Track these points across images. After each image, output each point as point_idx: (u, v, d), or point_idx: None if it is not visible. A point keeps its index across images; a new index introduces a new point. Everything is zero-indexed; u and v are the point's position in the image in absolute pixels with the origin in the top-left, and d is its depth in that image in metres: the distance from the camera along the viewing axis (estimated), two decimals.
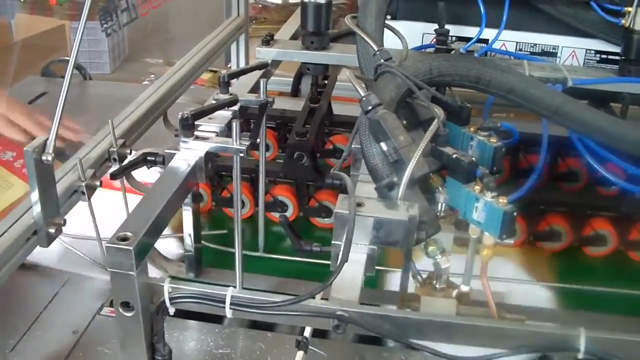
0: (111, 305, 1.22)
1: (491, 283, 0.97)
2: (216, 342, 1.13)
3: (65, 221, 1.05)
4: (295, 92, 1.98)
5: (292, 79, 1.98)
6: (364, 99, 0.99)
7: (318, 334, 1.09)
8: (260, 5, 3.79)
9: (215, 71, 2.79)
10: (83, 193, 1.12)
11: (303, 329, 0.99)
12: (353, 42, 1.30)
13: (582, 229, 1.39)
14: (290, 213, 1.42)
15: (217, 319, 1.17)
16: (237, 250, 1.07)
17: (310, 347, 0.97)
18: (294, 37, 1.78)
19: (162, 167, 1.12)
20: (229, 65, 2.59)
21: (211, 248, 1.37)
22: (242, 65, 2.04)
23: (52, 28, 3.37)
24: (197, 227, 1.22)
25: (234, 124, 0.99)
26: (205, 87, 2.63)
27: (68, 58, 2.55)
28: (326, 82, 1.63)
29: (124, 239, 0.83)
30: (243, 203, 1.42)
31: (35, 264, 1.29)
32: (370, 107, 0.98)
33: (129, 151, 1.20)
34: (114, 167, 1.19)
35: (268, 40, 1.47)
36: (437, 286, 0.99)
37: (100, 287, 1.26)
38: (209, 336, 1.14)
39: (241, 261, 1.08)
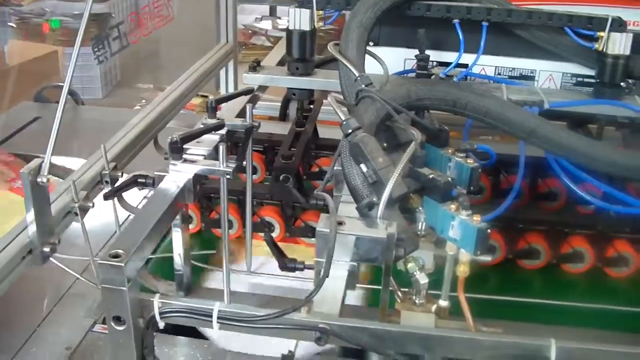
0: (104, 322, 1.25)
1: (470, 298, 1.01)
2: (205, 357, 1.17)
3: (59, 240, 1.09)
4: (283, 117, 2.03)
5: (280, 104, 2.02)
6: (344, 122, 1.04)
7: None
8: (250, 32, 3.85)
9: (205, 96, 2.83)
10: (76, 214, 1.16)
11: None
12: (337, 67, 1.35)
13: (560, 246, 1.44)
14: (276, 233, 1.46)
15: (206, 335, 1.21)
16: (225, 267, 1.11)
17: None
18: (280, 63, 1.83)
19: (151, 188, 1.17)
20: (219, 91, 2.64)
21: (201, 267, 1.40)
22: (231, 90, 2.08)
23: (44, 54, 3.40)
24: (186, 247, 1.25)
25: (220, 147, 1.03)
26: (196, 112, 2.67)
27: (61, 84, 2.61)
28: (312, 106, 1.67)
29: (116, 256, 0.87)
30: (231, 224, 1.46)
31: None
32: (350, 131, 1.03)
33: (120, 174, 1.24)
34: (106, 189, 1.23)
35: (255, 67, 1.52)
36: (417, 301, 1.02)
37: (92, 304, 1.29)
38: (198, 351, 1.18)
39: (228, 277, 1.12)
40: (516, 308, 1.36)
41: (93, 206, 1.19)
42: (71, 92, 2.43)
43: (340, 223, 0.95)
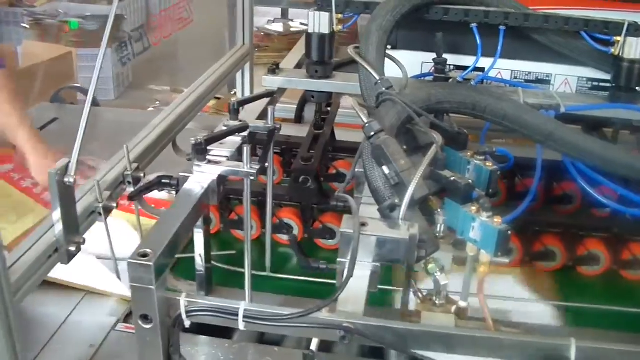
0: (125, 321, 1.27)
1: (488, 300, 1.03)
2: (226, 356, 1.18)
3: (84, 240, 1.11)
4: (298, 119, 2.04)
5: (295, 106, 2.04)
6: (367, 125, 1.05)
7: (323, 348, 1.14)
8: (262, 34, 3.87)
9: (219, 98, 2.85)
10: (100, 214, 1.18)
11: (309, 343, 1.05)
12: (355, 70, 1.37)
13: (576, 249, 1.45)
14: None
15: (227, 335, 1.23)
16: (247, 268, 1.13)
17: None
18: (298, 65, 1.85)
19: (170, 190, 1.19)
20: (233, 92, 2.66)
21: (220, 268, 1.42)
22: (247, 92, 2.10)
23: (59, 55, 3.43)
24: (207, 248, 1.27)
25: (245, 148, 1.05)
26: (210, 113, 2.69)
27: (78, 85, 2.62)
28: (329, 109, 1.69)
29: (144, 255, 0.89)
30: (251, 225, 1.48)
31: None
32: (372, 133, 1.04)
33: (142, 174, 1.26)
34: (129, 190, 1.25)
35: (274, 69, 1.54)
36: (437, 302, 1.04)
37: (114, 304, 1.31)
38: (219, 351, 1.19)
39: (250, 278, 1.14)
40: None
41: (117, 206, 1.21)
42: (87, 94, 2.46)
43: (363, 224, 0.97)
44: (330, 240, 1.48)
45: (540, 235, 1.46)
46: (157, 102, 3.00)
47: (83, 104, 2.43)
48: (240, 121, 1.22)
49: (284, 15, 4.39)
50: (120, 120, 2.26)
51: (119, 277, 1.32)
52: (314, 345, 1.04)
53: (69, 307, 1.30)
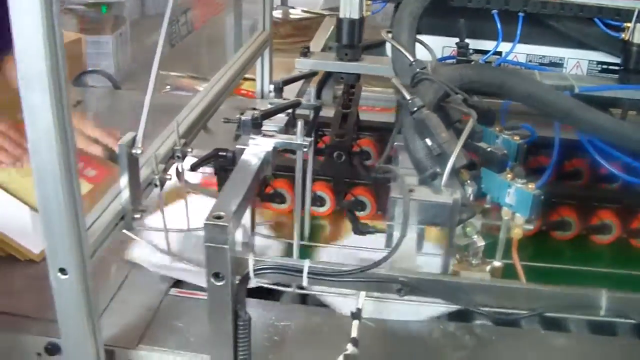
0: (175, 285, 1.37)
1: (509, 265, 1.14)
2: (277, 315, 1.28)
3: (147, 208, 1.20)
4: None
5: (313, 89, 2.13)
6: (410, 101, 1.15)
7: None
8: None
9: None
10: (156, 185, 1.27)
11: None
12: (380, 53, 1.46)
13: (590, 219, 1.57)
14: (327, 207, 1.58)
15: (274, 298, 1.33)
16: (296, 237, 1.22)
17: None
18: (323, 48, 1.93)
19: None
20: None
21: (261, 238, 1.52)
22: (267, 77, 2.17)
23: (70, 41, 3.47)
24: (252, 219, 1.36)
25: (299, 122, 1.15)
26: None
27: (99, 69, 2.68)
28: (353, 90, 1.78)
29: (219, 217, 0.99)
30: (285, 198, 1.58)
31: None
32: (415, 108, 1.14)
33: (190, 149, 1.36)
34: (178, 164, 1.34)
35: (306, 52, 1.63)
36: (473, 262, 1.14)
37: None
38: (270, 311, 1.29)
39: (298, 247, 1.23)
40: (552, 274, 1.48)
41: (170, 178, 1.30)
42: (109, 77, 2.54)
43: (410, 190, 1.07)
44: (361, 212, 1.57)
45: (557, 206, 1.57)
46: (168, 87, 3.07)
47: (106, 88, 2.50)
48: (285, 99, 1.32)
49: (284, 2, 4.45)
50: (141, 102, 2.34)
51: (169, 248, 1.41)
52: (360, 304, 1.15)
53: (121, 274, 1.39)
